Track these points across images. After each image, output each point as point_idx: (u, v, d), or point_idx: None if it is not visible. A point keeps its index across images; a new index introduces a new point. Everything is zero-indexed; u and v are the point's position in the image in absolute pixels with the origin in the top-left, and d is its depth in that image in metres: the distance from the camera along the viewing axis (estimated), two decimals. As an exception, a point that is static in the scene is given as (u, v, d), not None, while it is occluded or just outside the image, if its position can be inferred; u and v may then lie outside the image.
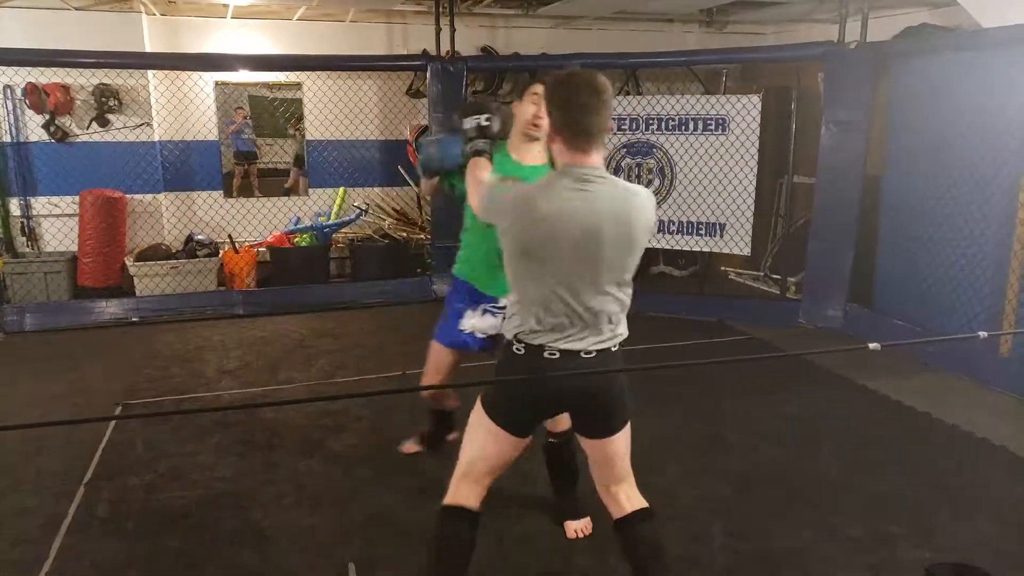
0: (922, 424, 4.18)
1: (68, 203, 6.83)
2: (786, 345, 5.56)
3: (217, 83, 7.35)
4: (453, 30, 6.68)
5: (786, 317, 6.11)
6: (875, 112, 5.66)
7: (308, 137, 7.68)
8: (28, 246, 6.87)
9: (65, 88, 6.70)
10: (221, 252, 7.03)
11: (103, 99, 6.80)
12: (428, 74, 6.70)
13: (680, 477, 3.53)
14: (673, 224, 6.51)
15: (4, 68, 6.32)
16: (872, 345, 1.85)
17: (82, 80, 6.72)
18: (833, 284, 5.89)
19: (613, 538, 2.97)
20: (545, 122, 2.47)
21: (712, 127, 6.25)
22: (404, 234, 7.64)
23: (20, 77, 6.52)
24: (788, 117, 6.36)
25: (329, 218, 7.61)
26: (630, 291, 2.31)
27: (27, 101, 6.62)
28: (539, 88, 2.78)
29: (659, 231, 6.55)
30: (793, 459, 3.72)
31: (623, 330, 2.32)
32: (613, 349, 2.29)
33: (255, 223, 7.40)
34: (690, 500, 3.31)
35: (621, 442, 2.49)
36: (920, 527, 3.08)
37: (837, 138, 5.74)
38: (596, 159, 2.12)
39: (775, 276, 6.96)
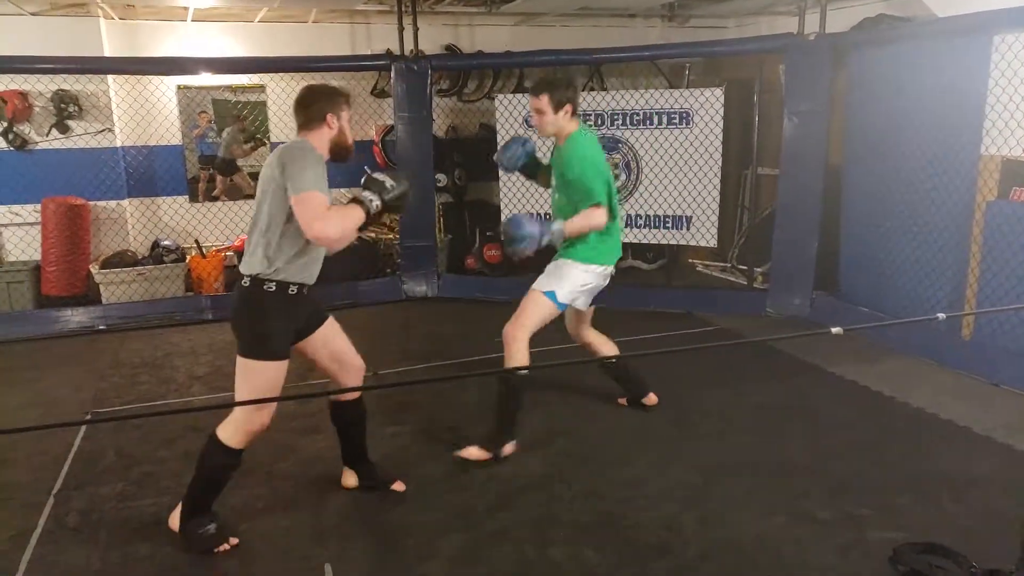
0: (888, 408, 4.27)
1: (30, 211, 6.70)
2: (753, 334, 5.64)
3: (179, 87, 7.26)
4: (416, 29, 6.67)
5: (753, 307, 6.20)
6: (835, 102, 5.77)
7: (273, 139, 7.61)
8: (-12, 256, 6.74)
9: (23, 95, 6.57)
10: (188, 257, 6.96)
11: (62, 105, 6.69)
12: (392, 74, 6.69)
13: (650, 467, 3.58)
14: (640, 218, 6.57)
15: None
16: (835, 329, 1.90)
17: (40, 86, 6.60)
18: (799, 273, 5.98)
19: (588, 533, 3.02)
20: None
21: (676, 121, 6.32)
22: (373, 234, 7.61)
23: (-25, 84, 6.39)
24: (751, 109, 6.45)
25: (297, 220, 7.54)
26: (258, 229, 2.86)
27: (-17, 109, 6.49)
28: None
29: (627, 225, 6.61)
30: (762, 446, 3.79)
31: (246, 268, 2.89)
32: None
33: (222, 227, 7.32)
34: (660, 489, 3.36)
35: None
36: (887, 508, 3.15)
37: (799, 129, 5.83)
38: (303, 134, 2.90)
39: (742, 267, 7.06)
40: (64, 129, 6.76)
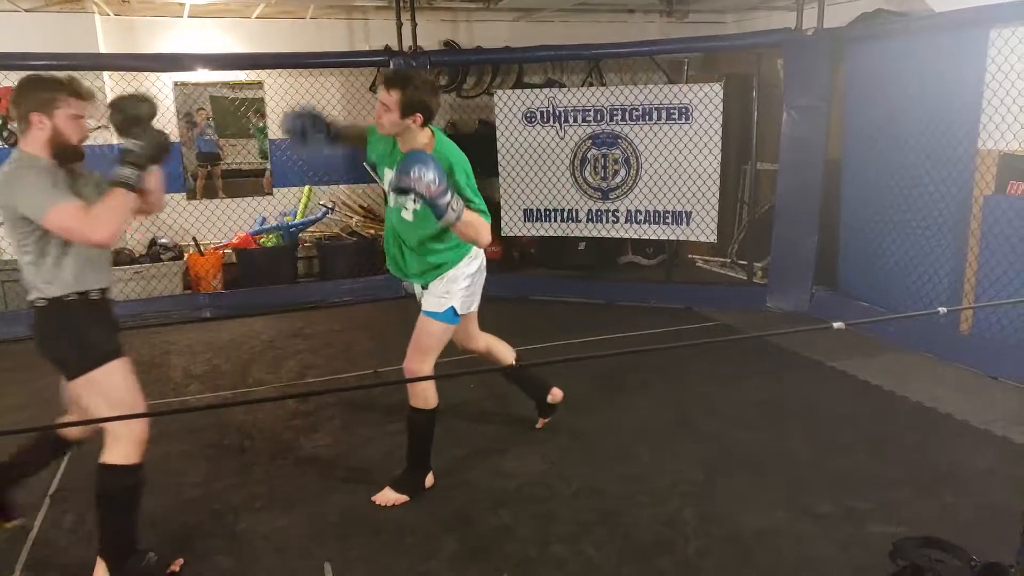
0: (887, 402, 4.26)
1: (26, 210, 6.66)
2: (754, 329, 5.63)
3: (176, 83, 7.23)
4: (414, 25, 6.64)
5: (754, 302, 6.19)
6: (833, 97, 5.75)
7: (271, 136, 7.59)
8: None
9: (18, 92, 6.53)
10: (186, 255, 6.94)
11: (58, 102, 6.65)
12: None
13: (651, 463, 3.57)
14: (640, 213, 6.55)
15: (-47, 73, 6.15)
16: (837, 324, 1.88)
17: (36, 83, 6.56)
18: (798, 268, 5.97)
19: (590, 530, 3.01)
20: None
21: (676, 116, 6.29)
22: (371, 231, 7.59)
23: (-30, 81, 6.35)
24: (750, 104, 6.43)
25: (295, 217, 7.54)
26: (27, 257, 2.57)
27: (-22, 106, 6.45)
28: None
29: (627, 220, 6.60)
30: (763, 441, 3.78)
31: (34, 293, 2.62)
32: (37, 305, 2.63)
33: (220, 224, 7.30)
34: (662, 486, 3.35)
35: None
36: (887, 502, 3.14)
37: (798, 124, 5.82)
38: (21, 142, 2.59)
39: (741, 262, 7.04)
40: (60, 127, 6.72)
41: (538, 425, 3.93)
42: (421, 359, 3.22)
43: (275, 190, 7.73)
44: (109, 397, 2.63)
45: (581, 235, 6.88)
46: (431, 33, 7.46)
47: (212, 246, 7.12)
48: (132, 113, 2.69)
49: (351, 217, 7.71)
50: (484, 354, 3.67)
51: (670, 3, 7.77)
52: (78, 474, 3.58)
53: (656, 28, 8.36)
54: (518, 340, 4.77)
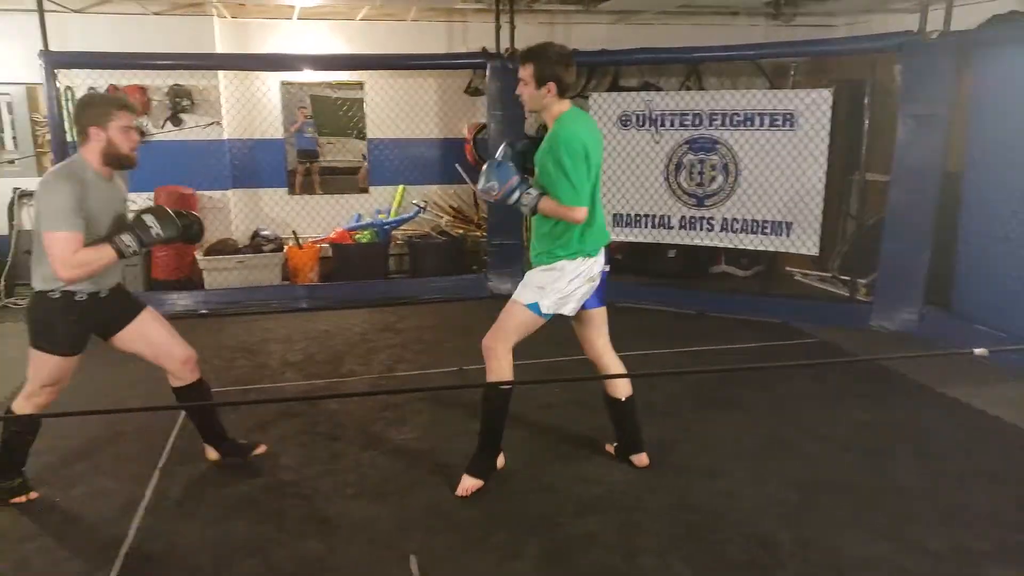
0: (1009, 435, 3.96)
1: (144, 199, 7.05)
2: (856, 349, 5.37)
3: (283, 83, 7.50)
4: (513, 27, 6.67)
5: (855, 320, 5.90)
6: (956, 105, 5.42)
7: (369, 136, 7.77)
8: (106, 240, 7.14)
9: (143, 89, 6.95)
10: (285, 248, 7.18)
11: (177, 99, 7.03)
12: (487, 72, 6.71)
13: (745, 481, 3.44)
14: (737, 222, 6.36)
15: (88, 71, 6.57)
16: (978, 351, 1.70)
17: (159, 81, 6.96)
18: (908, 286, 5.66)
19: (678, 544, 2.93)
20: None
21: (779, 122, 6.08)
22: (461, 231, 7.67)
23: (103, 80, 6.77)
24: (860, 111, 6.14)
25: (389, 215, 7.69)
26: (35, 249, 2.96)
27: (107, 102, 6.88)
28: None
29: (722, 229, 6.42)
30: (865, 466, 3.58)
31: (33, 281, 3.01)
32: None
33: (318, 219, 7.53)
34: (756, 505, 3.22)
35: None
36: (1008, 545, 2.91)
37: (915, 133, 5.51)
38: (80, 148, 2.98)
39: (844, 277, 6.74)
40: (177, 122, 7.10)
41: (608, 447, 3.73)
42: (496, 338, 3.26)
43: (371, 188, 7.91)
44: (39, 376, 3.05)
45: (672, 242, 6.74)
46: (528, 35, 7.39)
47: (310, 240, 7.35)
48: (182, 214, 3.10)
49: (441, 217, 7.81)
50: (599, 368, 3.54)
51: (777, 5, 7.52)
52: (184, 450, 3.76)
53: (760, 31, 8.12)
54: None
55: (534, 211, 3.16)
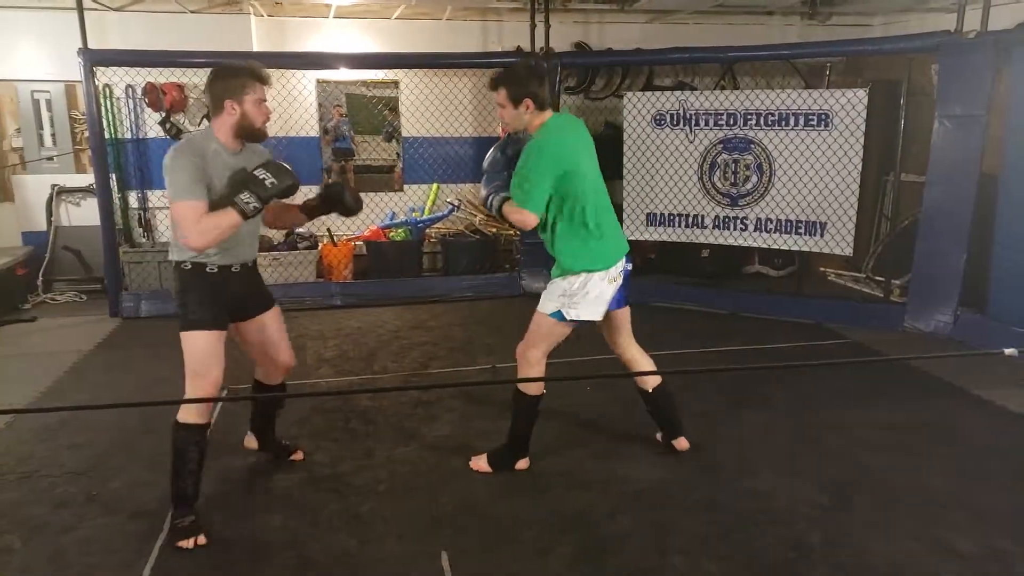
0: (1042, 438, 3.92)
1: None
2: (890, 350, 5.32)
3: (318, 81, 7.60)
4: (547, 26, 6.69)
5: (890, 321, 5.84)
6: (994, 106, 5.33)
7: (404, 134, 7.84)
8: (144, 237, 7.30)
9: (180, 87, 7.09)
10: (320, 245, 7.28)
11: (214, 97, 7.14)
12: (522, 71, 6.72)
13: (775, 481, 3.43)
14: (771, 222, 6.31)
15: (127, 69, 6.72)
16: (1008, 351, 1.72)
17: (196, 79, 7.08)
18: (943, 287, 5.58)
19: (710, 544, 2.93)
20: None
21: (814, 122, 6.03)
22: (494, 230, 7.71)
23: (140, 77, 6.93)
24: (896, 111, 6.06)
25: (423, 213, 7.76)
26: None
27: (146, 100, 7.04)
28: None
29: (756, 229, 6.38)
30: (896, 468, 3.55)
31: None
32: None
33: (352, 217, 7.60)
34: (786, 505, 3.21)
35: None
36: (1040, 547, 2.89)
37: (951, 134, 5.43)
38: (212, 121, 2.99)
39: (878, 278, 6.66)
40: (214, 120, 7.22)
41: (659, 437, 3.81)
42: (528, 345, 3.38)
43: (405, 186, 7.98)
44: (189, 358, 2.96)
45: (706, 242, 6.71)
46: (563, 35, 7.49)
47: (345, 238, 7.44)
48: (284, 168, 2.98)
49: (475, 216, 7.86)
50: (627, 364, 3.61)
51: (813, 5, 7.45)
52: (219, 444, 3.83)
53: (795, 31, 8.06)
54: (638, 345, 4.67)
55: (499, 213, 3.26)
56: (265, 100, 2.99)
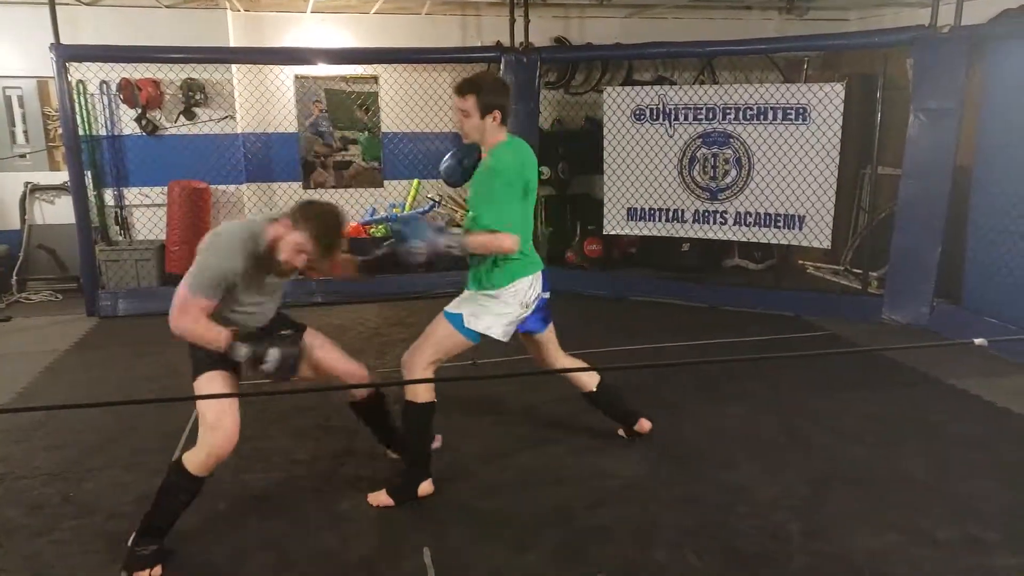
0: (1019, 426, 3.97)
1: (157, 193, 7.13)
2: (868, 342, 5.37)
3: (297, 76, 7.54)
4: (527, 21, 6.68)
5: (868, 313, 5.91)
6: (967, 100, 5.39)
7: (384, 130, 7.80)
8: (121, 235, 7.22)
9: (156, 83, 7.00)
10: (299, 241, 7.21)
11: (190, 93, 7.08)
12: (502, 65, 6.72)
13: (756, 473, 3.46)
14: (750, 216, 6.36)
15: (100, 64, 6.63)
16: (978, 341, 1.74)
17: (171, 75, 7.01)
18: (919, 279, 5.65)
19: (690, 537, 2.95)
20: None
21: (792, 116, 6.07)
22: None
23: (115, 73, 6.84)
24: (873, 105, 6.12)
25: (403, 209, 7.72)
26: None
27: (121, 96, 6.95)
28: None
29: (735, 223, 6.43)
30: (875, 458, 3.60)
31: None
32: None
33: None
34: (767, 497, 3.24)
35: None
36: (1017, 533, 2.93)
37: (926, 127, 5.50)
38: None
39: (856, 270, 6.73)
40: (191, 116, 7.16)
41: (620, 431, 3.81)
42: (418, 356, 3.22)
43: (385, 182, 7.94)
44: (203, 410, 2.80)
45: (686, 236, 6.74)
46: (542, 29, 7.47)
47: (324, 234, 7.37)
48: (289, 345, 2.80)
49: (456, 211, 7.83)
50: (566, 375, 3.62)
51: (790, 0, 7.50)
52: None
53: (774, 25, 8.10)
54: (617, 341, 4.75)
55: (462, 251, 3.08)
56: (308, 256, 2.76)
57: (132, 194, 7.20)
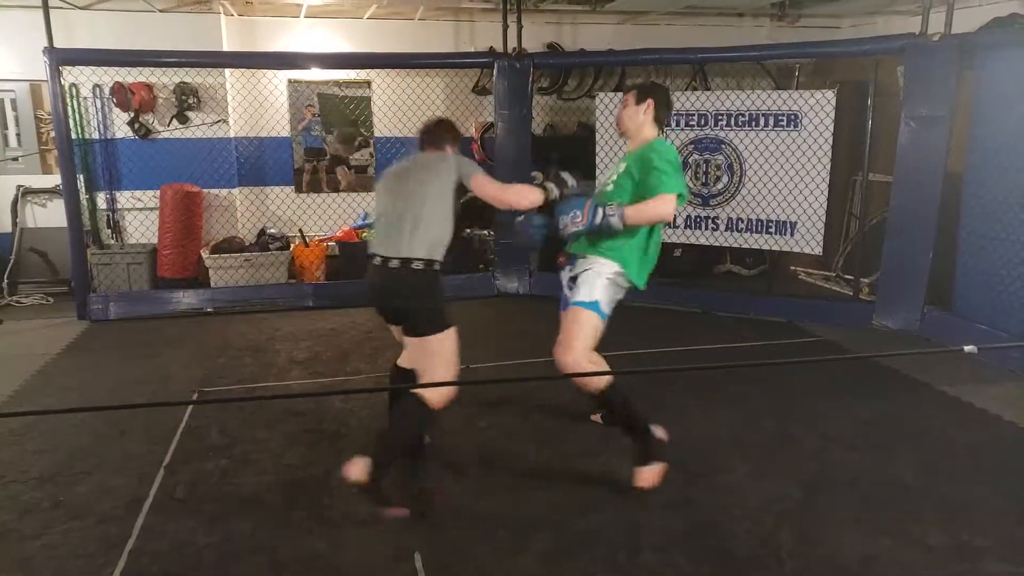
0: (1010, 433, 3.99)
1: (150, 197, 7.12)
2: (859, 348, 5.40)
3: (290, 81, 7.54)
4: (520, 27, 6.70)
5: (859, 319, 5.93)
6: (958, 107, 5.43)
7: (377, 134, 7.81)
8: (113, 238, 7.20)
9: (149, 87, 6.99)
10: (292, 246, 7.22)
11: (183, 97, 7.07)
12: (495, 71, 6.73)
13: (747, 477, 3.47)
14: (742, 222, 6.38)
15: (94, 68, 6.62)
16: (968, 348, 1.75)
17: (164, 79, 7.00)
18: (910, 286, 5.68)
19: (681, 540, 2.96)
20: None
21: (784, 123, 6.10)
22: (468, 230, 7.69)
23: (108, 77, 6.83)
24: (864, 112, 6.15)
25: (396, 214, 7.71)
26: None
27: (114, 100, 6.94)
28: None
29: (727, 228, 6.45)
30: (867, 464, 3.61)
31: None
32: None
33: (324, 218, 7.56)
34: (758, 502, 3.24)
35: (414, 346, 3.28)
36: (1008, 540, 2.94)
37: (917, 134, 5.53)
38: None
39: (847, 277, 6.76)
40: (184, 120, 7.15)
41: (593, 417, 3.97)
42: (569, 352, 3.37)
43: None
44: (446, 359, 3.20)
45: (678, 241, 6.76)
46: (535, 35, 7.50)
47: (317, 238, 7.38)
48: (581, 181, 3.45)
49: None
50: None
51: (782, 7, 7.54)
52: (189, 448, 3.80)
53: (765, 32, 8.15)
54: (611, 346, 4.73)
55: (623, 222, 3.20)
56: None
57: (124, 197, 7.18)
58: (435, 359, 3.17)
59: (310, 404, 4.33)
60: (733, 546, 2.92)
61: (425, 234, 3.14)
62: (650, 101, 3.39)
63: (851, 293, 6.44)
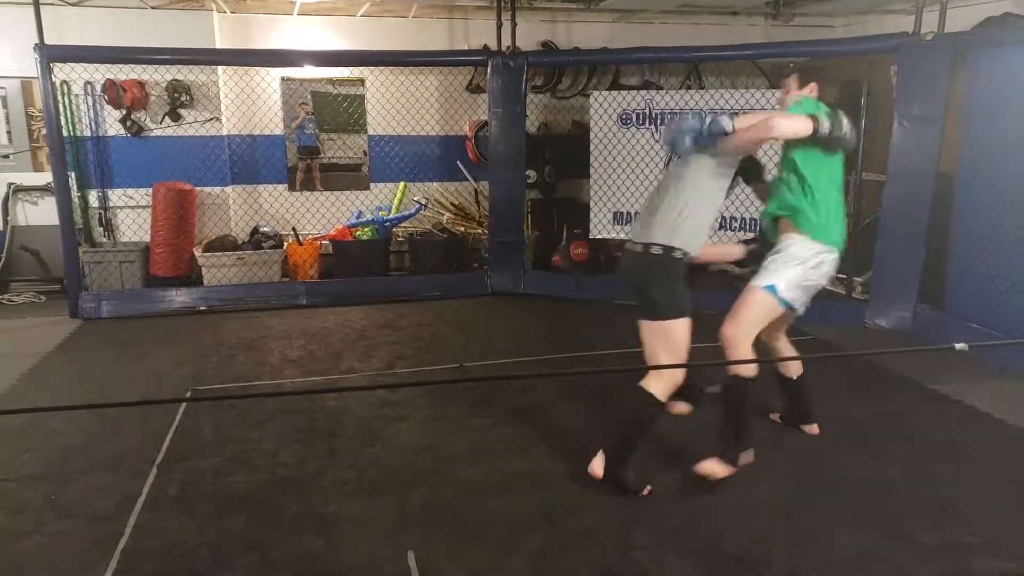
0: (997, 431, 4.02)
1: (142, 195, 7.09)
2: (851, 346, 5.41)
3: (283, 79, 7.51)
4: (514, 25, 6.69)
5: (851, 317, 5.95)
6: (950, 106, 5.45)
7: (370, 132, 7.79)
8: (105, 236, 7.16)
9: (141, 84, 6.96)
10: (285, 244, 7.21)
11: (176, 95, 7.04)
12: (488, 69, 6.73)
13: (739, 476, 3.46)
14: (735, 220, 6.40)
15: (85, 65, 6.58)
16: (959, 345, 1.76)
17: (157, 76, 6.97)
18: (902, 284, 5.70)
19: (672, 538, 2.97)
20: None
21: (777, 122, 6.10)
22: (462, 228, 7.70)
23: (100, 74, 6.79)
24: (857, 111, 6.16)
25: (389, 212, 7.71)
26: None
27: (106, 97, 6.90)
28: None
29: (721, 228, 6.46)
30: (858, 463, 3.62)
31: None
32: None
33: (318, 216, 7.55)
34: (750, 501, 3.26)
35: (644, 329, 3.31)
36: (996, 537, 2.96)
37: (910, 134, 5.55)
38: None
39: (840, 275, 6.76)
40: (176, 117, 7.11)
41: (773, 416, 4.07)
42: (735, 326, 3.50)
43: (372, 185, 7.93)
44: (674, 345, 3.23)
45: (672, 240, 6.76)
46: (529, 33, 7.49)
47: (310, 237, 7.37)
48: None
49: (443, 214, 7.83)
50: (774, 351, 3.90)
51: (776, 6, 7.54)
52: (182, 447, 3.79)
53: (760, 31, 8.16)
54: (604, 344, 4.76)
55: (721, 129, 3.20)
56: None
57: (116, 195, 7.14)
58: (659, 345, 3.23)
59: (303, 402, 4.32)
60: (725, 544, 2.93)
61: (664, 219, 3.22)
62: (813, 85, 3.50)
63: (844, 292, 6.46)
